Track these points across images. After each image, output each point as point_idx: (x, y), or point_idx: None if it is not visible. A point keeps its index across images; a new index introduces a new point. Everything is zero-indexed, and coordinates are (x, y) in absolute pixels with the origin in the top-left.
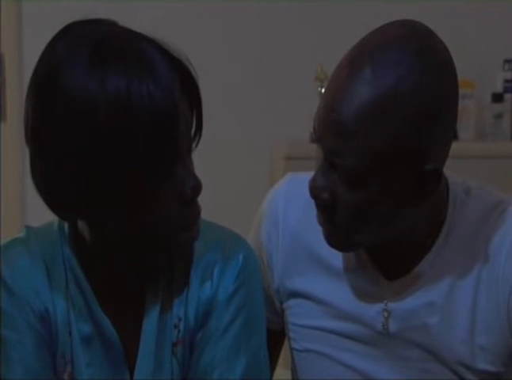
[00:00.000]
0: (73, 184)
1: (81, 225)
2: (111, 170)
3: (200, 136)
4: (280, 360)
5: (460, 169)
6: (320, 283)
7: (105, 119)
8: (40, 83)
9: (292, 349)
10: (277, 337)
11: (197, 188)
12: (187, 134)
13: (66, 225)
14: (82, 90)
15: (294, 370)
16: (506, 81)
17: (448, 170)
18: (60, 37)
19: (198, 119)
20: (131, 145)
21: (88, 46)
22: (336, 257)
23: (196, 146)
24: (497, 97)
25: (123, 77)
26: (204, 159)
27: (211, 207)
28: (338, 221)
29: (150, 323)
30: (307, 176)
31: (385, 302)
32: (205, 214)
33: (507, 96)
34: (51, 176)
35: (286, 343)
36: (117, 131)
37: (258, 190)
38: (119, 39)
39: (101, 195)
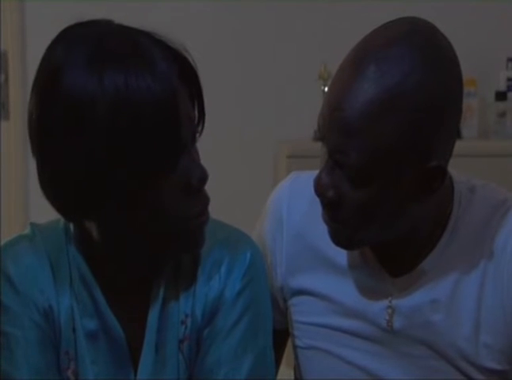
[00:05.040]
0: (75, 184)
1: (87, 223)
2: (114, 168)
3: (203, 126)
4: (283, 359)
5: (463, 167)
6: (324, 280)
7: (105, 117)
8: (42, 86)
9: (295, 347)
10: (280, 336)
11: (204, 178)
12: (189, 125)
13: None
14: (82, 90)
15: (297, 368)
16: (510, 79)
17: (452, 169)
18: (59, 40)
19: (200, 109)
20: (132, 141)
21: (86, 46)
22: (340, 254)
23: (200, 135)
24: (500, 96)
25: (120, 73)
26: (206, 158)
27: (214, 205)
28: (343, 219)
29: (155, 320)
30: (311, 174)
31: (389, 298)
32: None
33: (511, 94)
34: (55, 176)
35: (289, 341)
36: (118, 127)
37: (262, 188)
38: (115, 37)
39: (105, 192)
